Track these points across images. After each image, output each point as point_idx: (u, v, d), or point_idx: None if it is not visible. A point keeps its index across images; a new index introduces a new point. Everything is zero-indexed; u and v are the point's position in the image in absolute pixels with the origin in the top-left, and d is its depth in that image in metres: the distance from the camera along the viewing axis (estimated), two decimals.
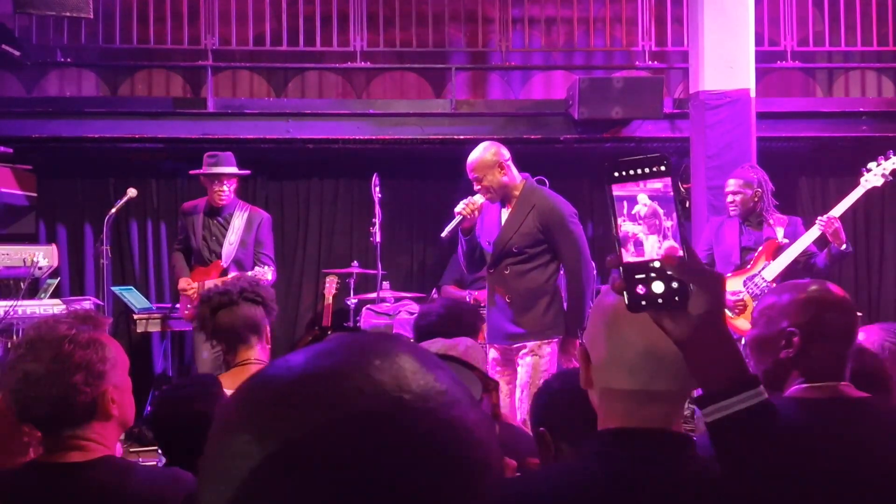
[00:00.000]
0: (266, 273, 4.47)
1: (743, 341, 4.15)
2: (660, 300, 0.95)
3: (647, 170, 1.00)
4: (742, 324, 4.24)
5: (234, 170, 4.70)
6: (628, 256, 0.97)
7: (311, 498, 0.55)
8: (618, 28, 6.10)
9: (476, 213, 3.59)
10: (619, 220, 1.00)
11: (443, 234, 3.66)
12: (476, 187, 3.61)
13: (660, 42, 6.04)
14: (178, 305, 4.83)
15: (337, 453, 0.55)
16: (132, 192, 4.82)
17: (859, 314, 3.67)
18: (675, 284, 0.95)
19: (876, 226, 6.22)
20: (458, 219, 3.57)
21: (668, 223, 0.99)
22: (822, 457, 1.55)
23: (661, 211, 1.07)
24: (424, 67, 6.13)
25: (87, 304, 4.64)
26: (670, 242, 0.97)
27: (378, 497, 0.55)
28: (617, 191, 1.02)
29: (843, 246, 4.05)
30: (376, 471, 0.55)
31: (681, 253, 0.95)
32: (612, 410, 1.16)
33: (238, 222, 4.65)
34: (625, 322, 1.11)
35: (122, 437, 2.80)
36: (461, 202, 3.60)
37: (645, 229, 1.00)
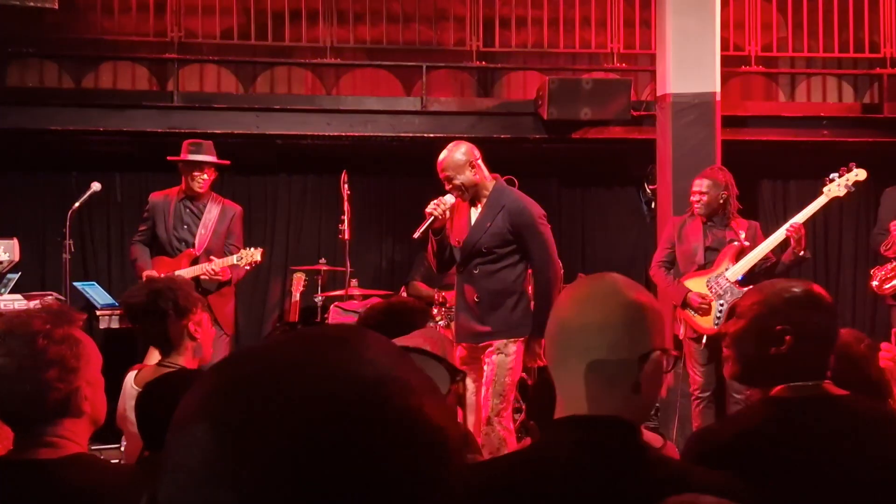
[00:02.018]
0: (255, 255, 4.47)
1: (704, 339, 4.28)
2: None
3: None
4: (704, 323, 4.31)
5: (214, 158, 4.64)
6: None
7: (266, 485, 0.55)
8: (587, 30, 6.15)
9: (447, 213, 3.59)
10: None
11: (415, 236, 3.65)
12: (447, 186, 3.61)
13: (628, 45, 6.09)
14: None
15: (292, 441, 0.55)
16: (96, 185, 4.74)
17: None
18: None
19: (834, 234, 6.37)
20: (430, 220, 3.57)
21: None
22: (807, 453, 1.60)
23: None
24: (395, 65, 6.11)
25: (49, 299, 4.54)
26: None
27: (334, 483, 0.55)
28: None
29: (803, 252, 4.15)
30: (332, 457, 0.55)
31: None
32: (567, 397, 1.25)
33: (212, 213, 4.61)
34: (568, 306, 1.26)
35: None
36: (431, 202, 3.60)
37: None
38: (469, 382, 3.70)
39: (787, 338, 1.69)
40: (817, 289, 1.79)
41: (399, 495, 0.57)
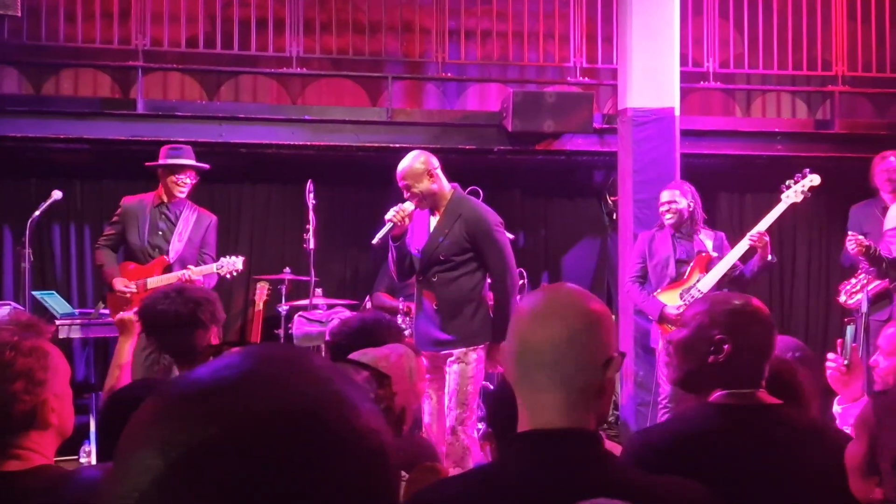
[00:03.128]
0: (236, 264, 4.44)
1: (660, 344, 4.36)
2: None
3: None
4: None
5: (195, 162, 4.59)
6: None
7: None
8: (551, 44, 6.23)
9: (406, 220, 3.62)
10: None
11: (374, 241, 3.67)
12: (406, 194, 3.65)
13: (590, 59, 6.18)
14: (103, 310, 4.67)
15: (240, 462, 0.57)
16: (57, 194, 4.63)
17: None
18: None
19: (788, 249, 6.52)
20: (388, 226, 3.60)
21: None
22: (739, 458, 1.66)
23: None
24: (360, 75, 6.12)
25: (6, 308, 4.47)
26: None
27: (283, 499, 0.57)
28: None
29: (770, 257, 4.27)
30: (279, 474, 0.57)
31: None
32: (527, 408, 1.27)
33: (188, 221, 4.54)
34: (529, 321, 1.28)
35: None
36: (391, 209, 3.63)
37: None
38: (431, 392, 3.73)
39: (726, 347, 1.77)
40: (756, 302, 1.88)
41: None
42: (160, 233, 4.50)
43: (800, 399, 2.03)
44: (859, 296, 4.35)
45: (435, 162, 3.69)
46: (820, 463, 1.66)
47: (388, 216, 3.62)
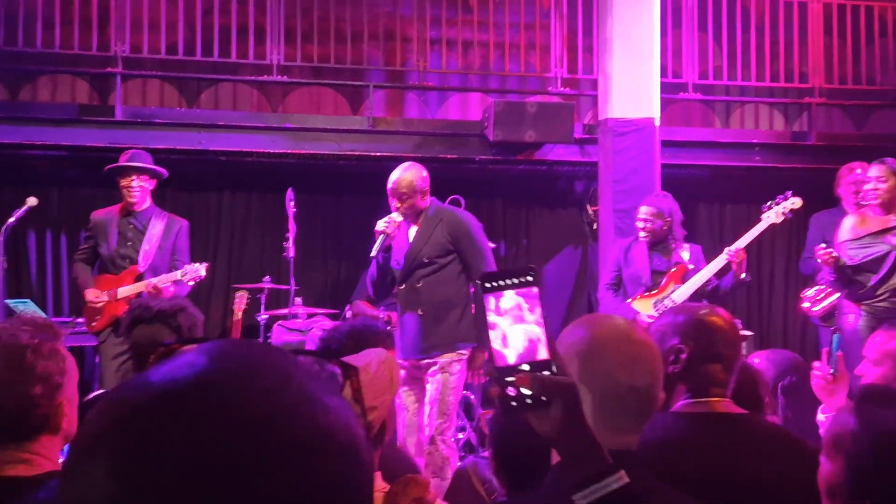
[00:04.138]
0: (199, 270, 4.37)
1: None
2: (528, 401, 1.01)
3: (515, 280, 1.06)
4: None
5: (144, 164, 4.51)
6: (499, 356, 1.03)
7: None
8: (532, 54, 6.26)
9: (396, 230, 3.64)
10: (490, 319, 1.05)
11: (372, 254, 3.66)
12: (396, 204, 3.66)
13: (571, 70, 6.22)
14: (78, 319, 4.62)
15: (192, 474, 0.53)
16: (32, 200, 4.55)
17: (750, 334, 3.82)
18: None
19: (766, 258, 6.57)
20: (381, 237, 3.61)
21: (531, 316, 1.04)
22: (700, 468, 1.65)
23: (525, 305, 1.11)
24: (342, 84, 6.12)
25: None
26: (537, 335, 1.04)
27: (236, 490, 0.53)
28: (492, 296, 1.07)
29: (744, 275, 4.28)
30: (238, 484, 0.53)
31: (549, 357, 1.03)
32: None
33: (156, 229, 4.48)
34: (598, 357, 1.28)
35: None
36: (381, 221, 3.63)
37: (510, 321, 1.05)
38: (410, 402, 3.70)
39: (683, 356, 1.78)
40: (721, 312, 1.90)
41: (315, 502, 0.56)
42: (129, 242, 4.45)
43: (762, 407, 2.03)
44: (823, 304, 4.39)
45: (428, 181, 3.77)
46: (783, 472, 1.66)
47: (379, 227, 3.62)
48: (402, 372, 3.72)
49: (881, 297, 4.13)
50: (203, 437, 0.54)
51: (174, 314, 2.39)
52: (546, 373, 1.03)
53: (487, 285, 1.06)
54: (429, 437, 3.60)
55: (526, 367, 1.03)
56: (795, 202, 4.40)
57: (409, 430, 3.70)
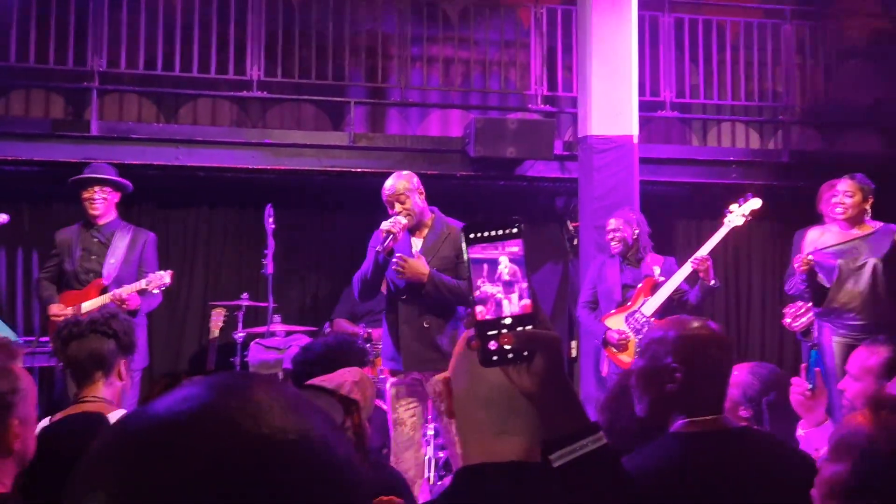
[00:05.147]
0: (163, 277, 4.29)
1: (606, 369, 4.33)
2: (509, 355, 1.01)
3: (500, 232, 1.06)
4: (626, 359, 4.37)
5: (104, 176, 4.43)
6: (486, 315, 1.03)
7: None
8: (512, 72, 6.28)
9: (399, 234, 3.57)
10: (479, 282, 1.05)
11: (378, 249, 3.58)
12: (397, 209, 3.63)
13: (551, 87, 6.25)
14: (45, 339, 4.48)
15: (192, 499, 0.54)
16: (3, 217, 4.47)
17: None
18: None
19: (744, 275, 6.63)
20: (389, 236, 3.54)
21: (524, 284, 1.02)
22: (705, 489, 1.62)
23: (519, 272, 1.08)
24: (323, 100, 6.08)
25: None
26: (526, 301, 1.03)
27: None
28: (476, 254, 1.07)
29: (713, 282, 4.28)
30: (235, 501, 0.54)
31: (531, 311, 1.02)
32: (471, 442, 1.19)
33: (121, 242, 4.42)
34: None
35: None
36: (386, 221, 3.58)
37: (503, 290, 1.05)
38: (407, 417, 3.65)
39: (678, 375, 1.73)
40: (712, 325, 1.84)
41: None
42: (93, 256, 4.39)
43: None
44: (804, 319, 4.41)
45: (419, 181, 3.74)
46: (786, 484, 1.63)
47: (384, 227, 3.57)
48: (402, 387, 3.67)
49: (851, 313, 4.13)
50: (201, 468, 0.54)
51: (106, 321, 2.33)
52: (529, 327, 1.02)
53: (472, 236, 1.05)
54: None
55: (508, 320, 1.02)
56: (754, 203, 4.47)
57: (405, 446, 3.64)
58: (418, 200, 3.67)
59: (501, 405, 1.15)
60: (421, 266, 3.55)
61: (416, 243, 3.69)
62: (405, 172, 3.77)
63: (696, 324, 1.85)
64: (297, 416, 0.60)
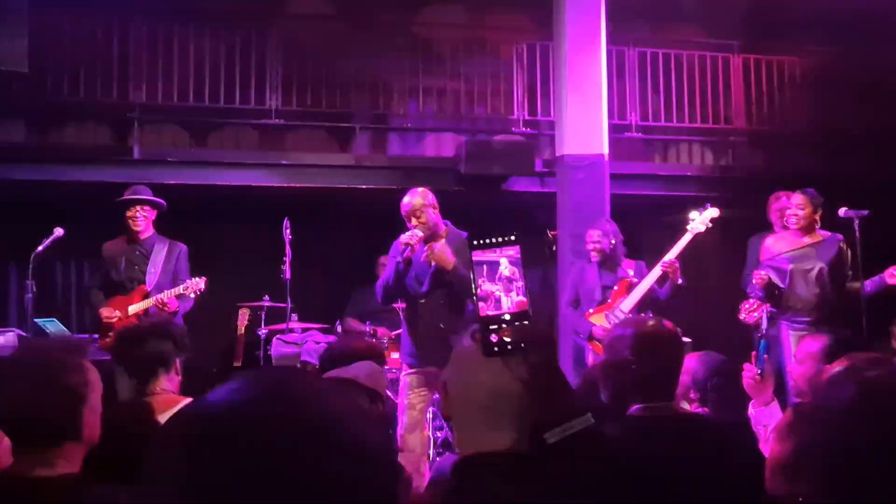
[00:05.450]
0: (199, 283, 4.35)
1: (591, 359, 4.38)
2: (508, 346, 1.02)
3: (499, 239, 1.07)
4: None
5: (144, 197, 4.52)
6: (487, 310, 1.04)
7: None
8: (498, 99, 6.36)
9: (417, 245, 3.54)
10: (480, 282, 1.06)
11: (398, 259, 3.58)
12: (414, 223, 3.61)
13: (532, 112, 6.30)
14: (96, 336, 4.58)
15: (253, 474, 0.55)
16: (59, 231, 4.56)
17: (689, 340, 3.85)
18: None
19: (704, 276, 6.65)
20: (407, 248, 3.53)
21: (521, 283, 1.05)
22: (655, 466, 1.62)
23: (507, 262, 1.10)
24: (332, 126, 6.15)
25: (10, 334, 4.35)
26: (519, 298, 1.03)
27: (293, 495, 0.56)
28: (478, 257, 1.08)
29: (680, 281, 4.36)
30: (289, 477, 0.56)
31: (528, 308, 1.03)
32: (466, 435, 1.18)
33: (159, 253, 4.50)
34: (478, 365, 1.16)
35: None
36: (405, 235, 3.57)
37: (503, 288, 1.05)
38: (417, 402, 3.64)
39: (634, 367, 1.77)
40: (666, 324, 1.88)
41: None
42: (136, 266, 4.46)
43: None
44: (755, 314, 4.47)
45: (433, 197, 3.72)
46: (724, 463, 1.63)
47: (403, 240, 3.54)
48: (417, 378, 3.67)
49: (803, 310, 4.21)
50: (254, 448, 0.56)
51: (165, 327, 2.41)
52: (525, 322, 1.03)
53: (476, 242, 1.06)
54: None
55: (507, 317, 1.03)
56: (713, 212, 4.44)
57: (412, 427, 3.63)
58: (433, 214, 3.63)
59: (491, 405, 1.13)
60: (447, 254, 3.49)
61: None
62: (420, 189, 3.72)
63: (651, 322, 1.89)
64: (333, 403, 0.61)
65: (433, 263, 3.58)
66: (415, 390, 3.64)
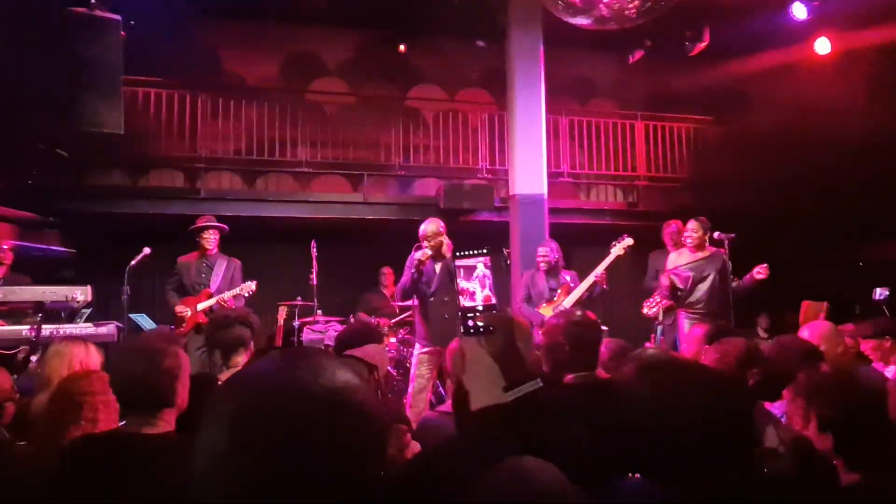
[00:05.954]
0: (251, 286, 4.50)
1: None
2: (481, 329, 1.10)
3: (476, 251, 1.25)
4: None
5: (216, 224, 4.78)
6: (465, 302, 1.18)
7: (265, 447, 0.57)
8: (467, 154, 6.68)
9: (427, 260, 3.74)
10: (460, 280, 1.21)
11: (412, 271, 3.72)
12: (426, 244, 3.79)
13: (492, 163, 6.64)
14: (172, 326, 4.85)
15: (282, 424, 0.58)
16: (147, 250, 4.65)
17: (606, 328, 4.30)
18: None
19: (615, 282, 6.99)
20: (419, 262, 3.75)
21: (489, 282, 1.24)
22: (584, 417, 1.46)
23: (482, 269, 1.31)
24: (346, 173, 6.49)
25: (111, 325, 4.26)
26: (487, 293, 1.14)
27: (306, 449, 0.57)
28: (460, 263, 1.26)
29: (605, 287, 4.57)
30: (306, 432, 0.57)
31: (493, 301, 1.14)
32: (465, 398, 1.21)
33: (220, 267, 4.66)
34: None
35: None
36: (418, 253, 3.76)
37: (477, 285, 1.18)
38: (424, 371, 3.76)
39: (566, 347, 1.84)
40: (590, 315, 1.94)
41: (355, 463, 0.59)
42: (202, 275, 4.62)
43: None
44: (655, 309, 4.59)
45: (444, 226, 3.87)
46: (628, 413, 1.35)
47: (417, 256, 3.71)
48: (427, 356, 3.81)
49: (699, 306, 4.35)
50: (283, 407, 0.58)
51: (246, 317, 2.49)
52: (494, 312, 1.11)
53: (459, 254, 1.15)
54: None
55: (480, 307, 1.12)
56: (629, 241, 4.61)
57: (419, 389, 3.76)
58: (442, 240, 3.76)
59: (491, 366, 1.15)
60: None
61: (438, 266, 3.83)
62: (434, 219, 3.85)
63: (578, 313, 1.91)
64: (342, 374, 0.62)
65: (437, 270, 3.77)
66: (425, 364, 3.77)
